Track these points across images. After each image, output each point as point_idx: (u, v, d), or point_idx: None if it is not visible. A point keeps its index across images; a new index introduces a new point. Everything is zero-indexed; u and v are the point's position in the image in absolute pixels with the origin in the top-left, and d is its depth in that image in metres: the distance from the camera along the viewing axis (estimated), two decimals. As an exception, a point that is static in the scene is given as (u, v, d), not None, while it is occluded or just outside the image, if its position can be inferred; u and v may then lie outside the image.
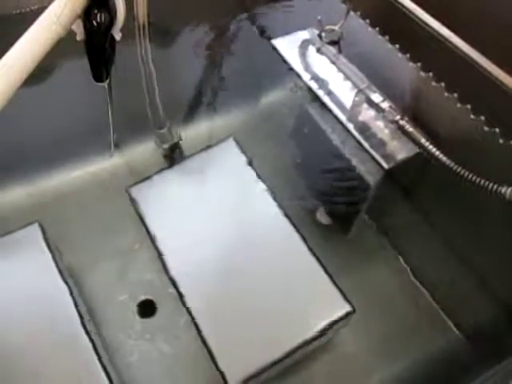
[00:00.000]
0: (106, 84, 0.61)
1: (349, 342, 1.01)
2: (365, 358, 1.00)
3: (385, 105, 0.89)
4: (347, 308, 0.87)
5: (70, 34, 0.55)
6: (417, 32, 0.83)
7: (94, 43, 0.56)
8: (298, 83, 1.03)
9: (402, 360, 1.00)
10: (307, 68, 1.01)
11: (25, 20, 0.49)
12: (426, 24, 0.81)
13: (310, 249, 0.94)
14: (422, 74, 0.86)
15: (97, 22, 0.54)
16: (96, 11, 0.54)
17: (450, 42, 0.78)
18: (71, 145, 1.13)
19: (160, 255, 0.93)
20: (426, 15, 0.82)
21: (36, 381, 0.80)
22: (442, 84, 0.83)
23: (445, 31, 0.79)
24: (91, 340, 0.84)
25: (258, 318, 0.87)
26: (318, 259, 0.92)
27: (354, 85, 0.94)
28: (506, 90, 0.72)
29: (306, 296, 0.89)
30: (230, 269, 0.92)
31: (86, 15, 0.54)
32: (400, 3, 0.85)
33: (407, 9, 0.84)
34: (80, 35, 0.56)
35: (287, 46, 1.05)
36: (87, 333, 0.84)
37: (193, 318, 0.86)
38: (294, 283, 0.90)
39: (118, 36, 0.57)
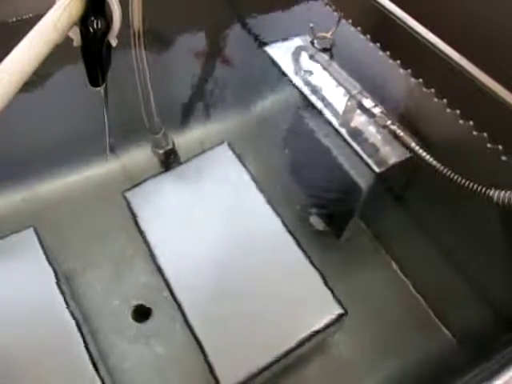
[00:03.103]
0: (101, 89, 0.62)
1: (342, 344, 1.01)
2: (358, 360, 1.00)
3: (376, 110, 0.91)
4: (339, 310, 0.88)
5: (67, 40, 0.56)
6: (407, 39, 0.85)
7: (91, 49, 0.57)
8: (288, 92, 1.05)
9: (395, 363, 1.01)
10: (300, 74, 1.03)
11: (21, 28, 0.50)
12: (416, 32, 0.83)
13: (304, 252, 0.95)
14: (413, 80, 0.88)
15: (93, 29, 0.55)
16: (92, 18, 0.55)
17: (439, 49, 0.79)
18: (66, 150, 1.13)
19: (155, 259, 0.94)
20: (416, 23, 0.84)
21: (30, 385, 0.81)
22: (432, 90, 0.85)
23: (434, 39, 0.81)
24: (85, 344, 0.84)
25: (253, 321, 0.87)
26: (311, 262, 0.93)
27: (346, 91, 0.95)
28: (494, 95, 0.74)
29: (299, 299, 0.90)
30: (225, 272, 0.93)
31: (83, 22, 0.55)
32: (390, 11, 0.87)
33: (397, 17, 0.86)
34: (77, 41, 0.57)
35: (281, 52, 1.07)
36: (81, 337, 0.84)
37: (187, 322, 0.86)
38: (288, 286, 0.91)
39: (114, 42, 0.58)
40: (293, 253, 0.95)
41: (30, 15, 0.92)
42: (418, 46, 0.83)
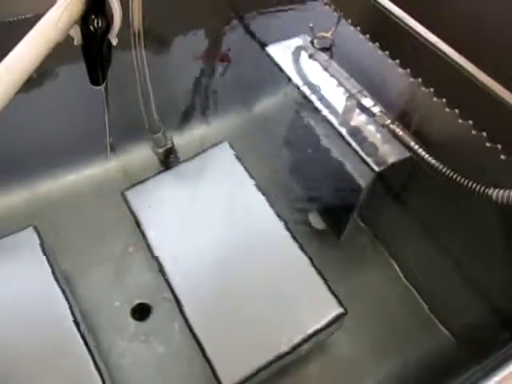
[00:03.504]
0: (102, 87, 0.62)
1: (342, 344, 1.02)
2: (358, 360, 1.01)
3: (376, 109, 0.91)
4: (339, 310, 0.88)
5: (67, 38, 0.57)
6: (406, 39, 0.85)
7: (91, 48, 0.57)
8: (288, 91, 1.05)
9: (395, 362, 1.01)
10: (300, 74, 1.03)
11: (20, 27, 0.50)
12: (415, 31, 0.84)
13: (305, 252, 0.95)
14: (412, 79, 0.88)
15: (94, 27, 0.56)
16: (93, 17, 0.55)
17: (438, 49, 0.80)
18: (67, 149, 1.13)
19: (155, 258, 0.94)
20: (415, 23, 0.84)
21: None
22: (431, 89, 0.85)
23: (433, 38, 0.81)
24: (86, 343, 0.84)
25: (252, 320, 0.87)
26: (311, 262, 0.94)
27: (346, 90, 0.95)
28: (493, 95, 0.74)
29: (299, 298, 0.90)
30: (225, 271, 0.93)
31: (84, 20, 0.55)
32: (390, 11, 0.88)
33: (397, 16, 0.87)
34: (77, 40, 0.57)
35: (281, 52, 1.07)
36: (81, 336, 0.85)
37: (187, 321, 0.86)
38: (288, 286, 0.91)
39: (114, 41, 0.59)
40: (292, 252, 0.95)
41: (29, 15, 0.92)
42: (418, 46, 0.83)
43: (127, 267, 1.08)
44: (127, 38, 0.76)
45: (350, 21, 0.98)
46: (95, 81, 0.61)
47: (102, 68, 0.60)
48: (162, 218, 1.00)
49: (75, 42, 0.58)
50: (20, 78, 0.47)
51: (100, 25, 0.55)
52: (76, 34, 0.57)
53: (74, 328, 0.85)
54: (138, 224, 0.99)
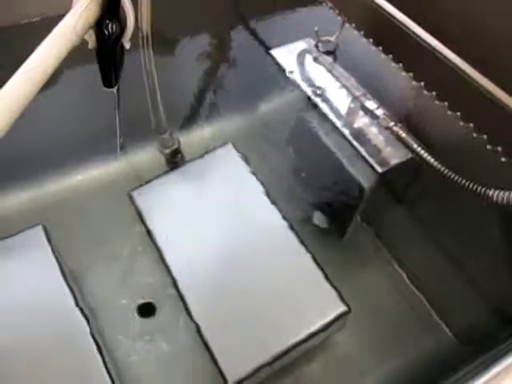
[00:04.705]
0: (114, 90, 0.64)
1: (344, 342, 1.03)
2: (359, 358, 1.02)
3: (379, 112, 0.92)
4: (343, 308, 0.90)
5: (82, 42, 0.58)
6: (408, 43, 0.86)
7: (105, 51, 0.59)
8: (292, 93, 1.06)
9: (396, 361, 1.02)
10: (304, 76, 1.04)
11: (31, 30, 0.52)
12: (417, 35, 0.85)
13: (308, 251, 0.96)
14: (414, 83, 0.90)
15: (108, 32, 0.57)
16: (108, 21, 0.57)
17: (440, 53, 0.81)
18: (74, 149, 1.14)
19: (161, 257, 0.96)
20: (417, 27, 0.86)
21: (39, 381, 0.82)
22: (433, 93, 0.87)
23: (435, 42, 0.83)
24: (95, 340, 0.85)
25: (257, 317, 0.89)
26: (315, 261, 0.95)
27: (350, 92, 0.97)
28: (493, 98, 0.76)
29: (303, 296, 0.92)
30: (230, 270, 0.94)
31: (98, 25, 0.57)
32: (392, 15, 0.89)
33: (399, 21, 0.88)
34: (92, 44, 0.59)
35: (285, 55, 1.08)
36: (91, 333, 0.86)
37: (192, 318, 0.88)
38: (292, 284, 0.93)
39: (127, 45, 0.60)
40: (296, 251, 0.97)
41: (37, 18, 0.93)
42: (420, 50, 0.85)
43: (134, 266, 1.09)
44: (136, 40, 0.77)
45: (353, 25, 0.99)
46: (108, 83, 0.62)
47: (115, 71, 0.62)
48: (168, 218, 1.01)
49: (90, 46, 0.59)
50: (43, 77, 0.49)
51: (114, 29, 0.57)
52: (90, 38, 0.58)
53: (83, 325, 0.87)
54: (144, 223, 1.00)
